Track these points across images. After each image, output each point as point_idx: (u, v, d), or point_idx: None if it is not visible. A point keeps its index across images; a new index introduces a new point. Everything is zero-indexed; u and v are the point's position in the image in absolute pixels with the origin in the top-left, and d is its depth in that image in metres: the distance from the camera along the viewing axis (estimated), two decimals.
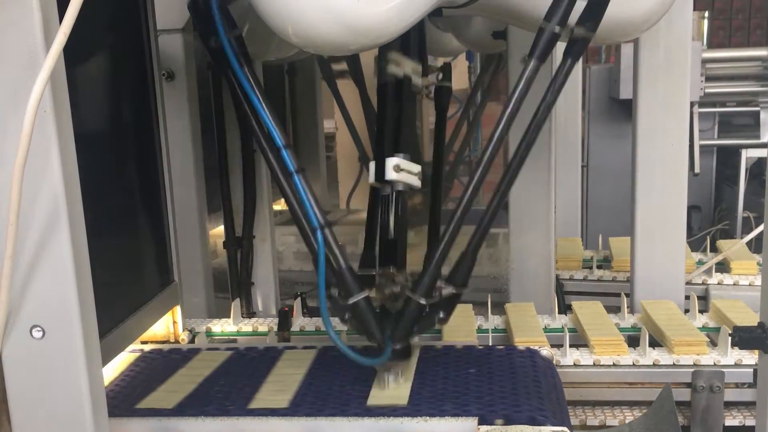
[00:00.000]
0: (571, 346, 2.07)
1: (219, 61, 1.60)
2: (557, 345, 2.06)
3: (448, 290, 1.61)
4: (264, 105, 1.57)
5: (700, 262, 2.75)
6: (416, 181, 1.67)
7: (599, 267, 2.90)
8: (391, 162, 1.64)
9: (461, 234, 1.59)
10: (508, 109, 1.52)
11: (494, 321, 2.29)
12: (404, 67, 1.69)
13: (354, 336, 1.78)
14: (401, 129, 1.69)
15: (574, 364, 2.02)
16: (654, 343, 2.10)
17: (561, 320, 2.30)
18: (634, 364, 2.00)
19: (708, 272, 2.67)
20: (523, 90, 1.50)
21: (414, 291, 1.61)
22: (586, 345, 2.11)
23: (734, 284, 2.65)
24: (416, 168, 1.67)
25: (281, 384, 1.73)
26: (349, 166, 4.68)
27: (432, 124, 2.78)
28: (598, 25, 1.50)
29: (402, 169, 1.64)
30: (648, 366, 2.00)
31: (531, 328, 2.17)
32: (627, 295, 2.40)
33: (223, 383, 1.75)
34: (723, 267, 2.76)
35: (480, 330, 2.22)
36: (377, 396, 1.65)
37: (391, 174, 1.64)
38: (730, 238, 3.74)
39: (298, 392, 1.68)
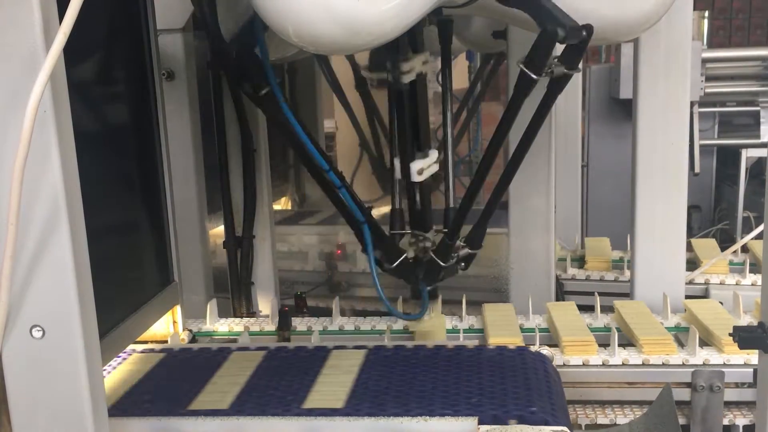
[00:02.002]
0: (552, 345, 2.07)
1: (262, 104, 1.91)
2: (554, 345, 2.07)
3: (465, 251, 2.10)
4: (311, 140, 1.91)
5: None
6: (435, 168, 2.05)
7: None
8: (414, 167, 1.98)
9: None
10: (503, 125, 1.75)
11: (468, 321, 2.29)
12: (416, 67, 1.85)
13: None
14: (419, 128, 1.97)
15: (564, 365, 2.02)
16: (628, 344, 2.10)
17: (535, 320, 2.29)
18: (604, 364, 2.00)
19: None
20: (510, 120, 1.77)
21: (439, 254, 2.07)
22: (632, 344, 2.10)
23: (705, 282, 2.66)
24: (434, 158, 2.03)
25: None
26: (349, 166, 4.68)
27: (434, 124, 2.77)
28: (579, 63, 1.65)
29: (424, 170, 2.00)
30: (648, 366, 2.00)
31: (507, 327, 2.16)
32: (626, 295, 2.40)
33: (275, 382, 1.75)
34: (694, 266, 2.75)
35: (454, 330, 2.24)
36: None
37: (416, 177, 2.00)
38: (730, 238, 3.75)
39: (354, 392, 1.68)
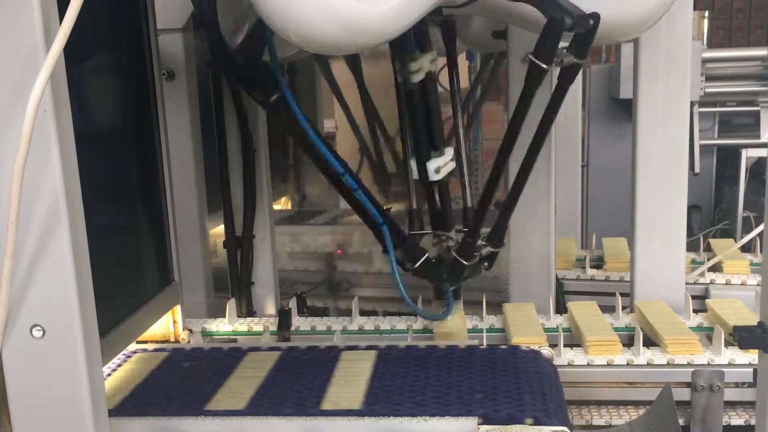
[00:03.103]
0: (566, 345, 2.08)
1: (273, 110, 1.91)
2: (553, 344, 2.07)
3: (487, 249, 2.06)
4: (327, 146, 1.93)
5: (694, 262, 2.75)
6: (452, 166, 2.02)
7: (594, 267, 2.90)
8: (432, 166, 1.97)
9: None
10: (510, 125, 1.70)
11: (489, 320, 2.30)
12: (425, 66, 1.85)
13: None
14: (433, 127, 1.97)
15: (569, 364, 2.02)
16: (650, 343, 2.10)
17: (556, 320, 2.31)
18: (629, 364, 2.01)
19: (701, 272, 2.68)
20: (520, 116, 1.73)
21: (461, 253, 2.02)
22: (579, 345, 2.11)
23: (726, 283, 2.65)
24: (450, 155, 2.01)
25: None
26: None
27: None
28: (588, 51, 1.61)
29: (441, 168, 1.99)
30: (648, 366, 2.00)
31: (530, 327, 2.17)
32: (627, 295, 2.40)
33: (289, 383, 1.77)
34: (714, 266, 2.75)
35: (475, 330, 2.23)
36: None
37: (433, 176, 1.98)
38: (730, 238, 3.75)
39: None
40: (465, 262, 2.03)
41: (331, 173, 1.97)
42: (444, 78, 2.45)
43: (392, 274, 2.02)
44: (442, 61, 2.30)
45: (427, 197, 2.07)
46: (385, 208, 2.07)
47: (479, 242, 2.04)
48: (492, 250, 2.07)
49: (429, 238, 2.14)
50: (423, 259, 2.05)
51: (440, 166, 1.98)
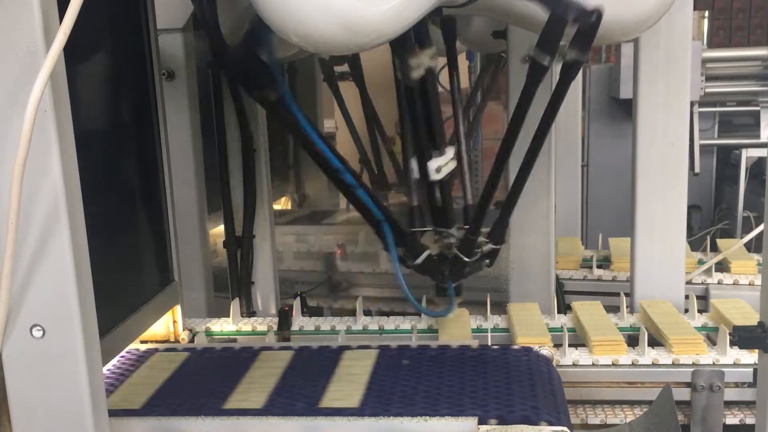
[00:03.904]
0: (570, 345, 2.08)
1: (272, 110, 1.91)
2: (557, 344, 2.07)
3: (488, 246, 2.07)
4: (325, 143, 1.91)
5: (701, 262, 2.75)
6: (453, 165, 2.00)
7: (599, 267, 2.90)
8: (432, 166, 1.93)
9: None
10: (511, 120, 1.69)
11: (493, 320, 2.29)
12: (424, 62, 1.83)
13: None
14: (433, 126, 1.94)
15: (573, 364, 2.02)
16: (654, 343, 2.10)
17: (560, 320, 2.30)
18: (634, 364, 2.01)
19: (708, 272, 2.67)
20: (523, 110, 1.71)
21: (463, 250, 2.02)
22: (584, 345, 2.11)
23: (734, 283, 2.64)
24: (451, 154, 1.98)
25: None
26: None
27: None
28: (590, 47, 1.59)
29: (442, 167, 1.95)
30: (648, 366, 2.00)
31: (535, 327, 2.17)
32: (627, 295, 2.40)
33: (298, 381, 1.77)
34: (722, 266, 2.76)
35: (480, 329, 2.23)
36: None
37: (434, 176, 1.95)
38: (734, 238, 3.74)
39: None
40: (466, 259, 2.03)
41: (331, 171, 1.96)
42: (444, 78, 2.45)
43: (394, 271, 2.02)
44: (442, 60, 2.30)
45: (428, 195, 2.05)
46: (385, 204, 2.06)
47: (480, 239, 2.05)
48: (493, 246, 2.08)
49: (430, 236, 2.11)
50: (425, 255, 2.04)
51: (441, 165, 1.96)
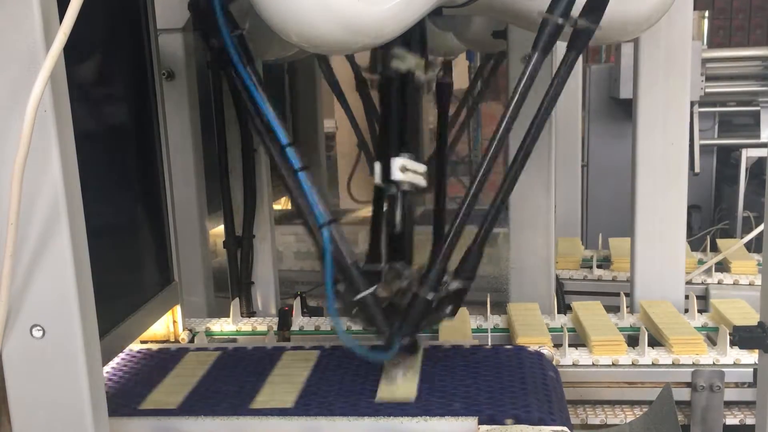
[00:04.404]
0: (570, 345, 2.08)
1: (221, 60, 1.59)
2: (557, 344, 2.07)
3: (454, 285, 1.61)
4: (268, 104, 1.57)
5: (701, 262, 2.75)
6: (422, 181, 1.64)
7: (599, 267, 2.90)
8: (397, 162, 1.61)
9: (466, 233, 1.61)
10: (511, 106, 1.50)
11: (493, 320, 2.29)
12: (408, 62, 1.64)
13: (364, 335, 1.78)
14: (406, 127, 1.67)
15: (573, 364, 2.02)
16: (654, 343, 2.10)
17: (560, 320, 2.30)
18: (634, 364, 2.01)
19: (708, 272, 2.68)
20: (527, 85, 1.49)
21: (421, 286, 1.60)
22: (584, 345, 2.11)
23: (734, 283, 2.65)
24: (422, 168, 1.64)
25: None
26: (349, 165, 4.67)
27: (431, 123, 2.77)
28: (601, 16, 1.48)
29: (408, 170, 1.62)
30: (648, 366, 2.00)
31: (535, 327, 2.17)
32: (627, 295, 2.40)
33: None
34: (722, 266, 2.76)
35: (479, 329, 2.22)
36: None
37: (397, 174, 1.61)
38: (734, 238, 3.74)
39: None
40: (423, 307, 1.59)
41: (272, 144, 1.60)
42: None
43: (327, 305, 1.60)
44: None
45: (388, 213, 1.66)
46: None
47: (445, 278, 1.61)
48: (460, 286, 1.62)
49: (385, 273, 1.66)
50: (361, 296, 1.59)
51: (406, 166, 1.61)
